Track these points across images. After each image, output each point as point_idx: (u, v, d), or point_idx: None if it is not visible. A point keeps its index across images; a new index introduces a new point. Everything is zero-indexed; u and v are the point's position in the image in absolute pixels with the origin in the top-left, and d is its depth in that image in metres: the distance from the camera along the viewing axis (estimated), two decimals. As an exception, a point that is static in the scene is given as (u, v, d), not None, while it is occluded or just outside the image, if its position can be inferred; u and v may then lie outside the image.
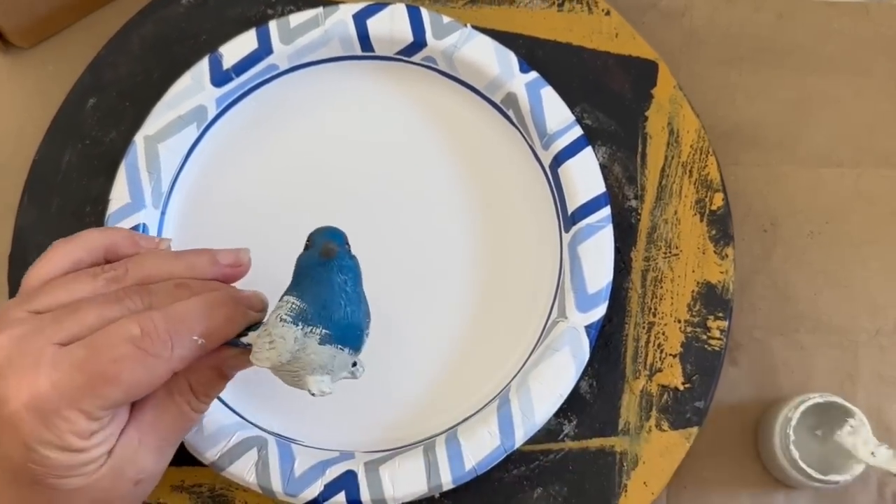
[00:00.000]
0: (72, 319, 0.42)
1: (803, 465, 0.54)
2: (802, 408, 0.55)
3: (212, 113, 0.60)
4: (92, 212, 0.61)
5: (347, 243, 0.46)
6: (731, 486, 0.60)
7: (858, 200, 0.63)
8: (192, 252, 0.48)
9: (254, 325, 0.47)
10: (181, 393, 0.46)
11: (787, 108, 0.65)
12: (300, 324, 0.43)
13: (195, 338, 0.43)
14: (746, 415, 0.61)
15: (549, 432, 0.57)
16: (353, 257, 0.46)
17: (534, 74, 0.59)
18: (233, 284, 0.49)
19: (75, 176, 0.61)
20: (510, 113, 0.60)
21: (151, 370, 0.42)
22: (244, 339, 0.46)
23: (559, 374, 0.55)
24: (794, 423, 0.55)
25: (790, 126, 0.64)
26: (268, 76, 0.61)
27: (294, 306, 0.43)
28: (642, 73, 0.61)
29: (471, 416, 0.56)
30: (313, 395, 0.44)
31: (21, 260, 0.60)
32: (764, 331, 0.62)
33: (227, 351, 0.47)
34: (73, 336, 0.42)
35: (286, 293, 0.45)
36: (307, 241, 0.46)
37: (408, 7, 0.59)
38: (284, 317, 0.43)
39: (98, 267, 0.46)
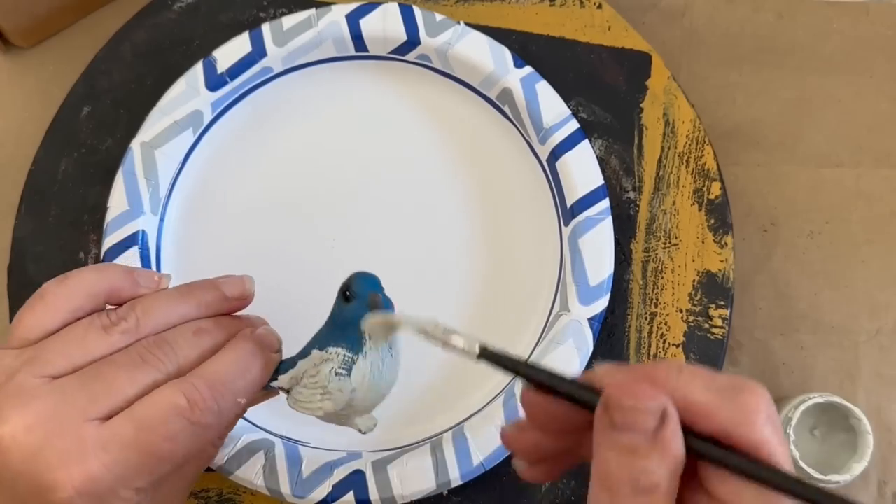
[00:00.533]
0: (103, 389, 0.40)
1: (803, 465, 0.54)
2: (802, 408, 0.55)
3: (207, 117, 0.60)
4: (90, 220, 0.61)
5: (382, 287, 0.45)
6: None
7: (858, 200, 0.63)
8: (198, 288, 0.46)
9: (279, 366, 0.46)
10: None
11: (788, 108, 0.65)
12: (353, 375, 0.43)
13: (239, 399, 0.42)
14: (746, 416, 0.61)
15: (555, 426, 0.57)
16: (390, 303, 0.44)
17: (528, 69, 0.59)
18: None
19: (72, 185, 0.61)
20: (506, 108, 0.60)
21: (203, 440, 0.41)
22: (274, 384, 0.46)
23: (563, 367, 0.55)
24: (794, 423, 0.55)
25: (790, 126, 0.65)
26: (262, 79, 0.61)
27: (347, 358, 0.43)
28: (636, 65, 0.62)
29: (477, 412, 0.56)
30: (363, 433, 0.45)
31: (19, 271, 0.60)
32: (764, 331, 0.62)
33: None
34: (110, 409, 0.40)
35: (333, 343, 0.44)
36: (346, 289, 0.44)
37: (400, 6, 0.59)
38: (339, 371, 0.43)
39: (104, 315, 0.42)
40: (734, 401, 0.32)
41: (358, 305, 0.43)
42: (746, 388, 0.32)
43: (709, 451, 0.32)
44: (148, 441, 0.39)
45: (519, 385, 0.55)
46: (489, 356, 0.36)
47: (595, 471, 0.32)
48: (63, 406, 0.39)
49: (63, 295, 0.42)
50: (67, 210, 0.61)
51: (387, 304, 0.44)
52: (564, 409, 0.34)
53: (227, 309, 0.46)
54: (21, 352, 0.41)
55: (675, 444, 0.31)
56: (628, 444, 0.31)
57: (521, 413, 0.54)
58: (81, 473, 0.38)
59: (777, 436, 0.32)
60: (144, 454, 0.39)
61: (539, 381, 0.35)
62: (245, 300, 0.47)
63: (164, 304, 0.44)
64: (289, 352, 0.47)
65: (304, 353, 0.45)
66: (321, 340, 0.44)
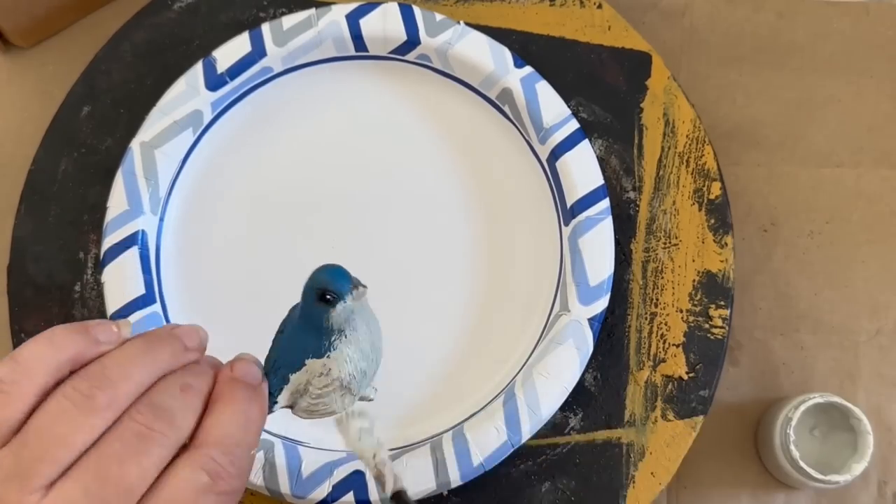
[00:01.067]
0: (116, 492, 0.35)
1: (803, 465, 0.54)
2: (802, 408, 0.55)
3: (207, 117, 0.60)
4: (89, 220, 0.61)
5: (350, 275, 0.44)
6: (731, 485, 0.60)
7: (858, 200, 0.63)
8: (160, 342, 0.40)
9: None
10: None
11: (788, 108, 0.65)
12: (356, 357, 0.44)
13: (252, 452, 0.40)
14: (746, 415, 0.61)
15: (555, 426, 0.57)
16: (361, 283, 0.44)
17: (528, 69, 0.59)
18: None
19: (71, 185, 0.61)
20: (506, 108, 0.60)
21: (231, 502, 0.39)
22: (276, 408, 0.45)
23: (564, 367, 0.55)
24: (794, 423, 0.55)
25: (790, 126, 0.65)
26: (262, 79, 0.60)
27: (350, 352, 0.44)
28: (636, 65, 0.62)
29: (477, 413, 0.56)
30: (372, 399, 0.46)
31: (19, 271, 0.60)
32: (764, 331, 0.62)
33: None
34: None
35: (324, 345, 0.43)
36: (324, 293, 0.43)
37: (400, 6, 0.59)
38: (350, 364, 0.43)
39: (75, 392, 0.37)
40: None
41: (344, 306, 0.42)
42: None
43: None
44: None
45: (519, 385, 0.55)
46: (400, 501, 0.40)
47: None
48: None
49: (21, 382, 0.36)
50: (67, 210, 0.61)
51: (356, 285, 0.43)
52: None
53: (189, 360, 0.42)
54: None
55: None
56: None
57: (522, 416, 0.54)
58: None
59: None
60: None
61: None
62: (202, 351, 0.43)
63: (133, 365, 0.38)
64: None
65: (286, 364, 0.44)
66: (305, 347, 0.44)
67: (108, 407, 0.36)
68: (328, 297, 0.42)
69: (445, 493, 0.56)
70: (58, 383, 0.37)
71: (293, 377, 0.44)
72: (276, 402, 0.44)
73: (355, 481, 0.53)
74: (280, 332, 0.45)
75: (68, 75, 0.63)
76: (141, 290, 0.56)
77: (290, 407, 0.45)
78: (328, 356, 0.43)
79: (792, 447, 0.54)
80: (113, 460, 0.36)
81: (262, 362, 0.44)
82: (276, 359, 0.44)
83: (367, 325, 0.44)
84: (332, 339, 0.43)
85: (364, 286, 0.43)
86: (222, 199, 0.60)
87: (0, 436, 0.36)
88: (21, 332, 0.59)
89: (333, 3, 0.61)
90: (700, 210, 0.59)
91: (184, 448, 0.38)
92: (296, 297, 0.53)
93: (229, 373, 0.41)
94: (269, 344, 0.46)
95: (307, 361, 0.43)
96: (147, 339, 0.40)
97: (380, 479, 0.42)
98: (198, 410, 0.39)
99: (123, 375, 0.37)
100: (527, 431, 0.54)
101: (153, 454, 0.36)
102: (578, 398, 0.57)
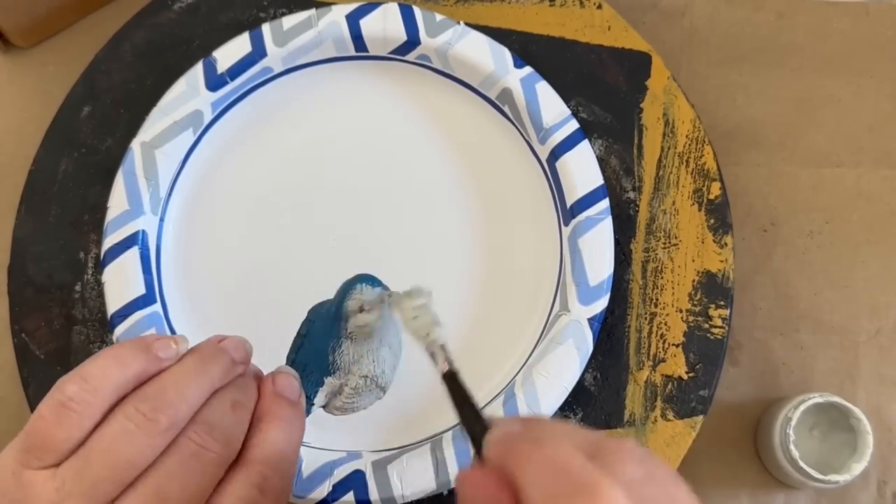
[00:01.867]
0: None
1: (803, 465, 0.54)
2: (802, 408, 0.55)
3: (208, 117, 0.60)
4: (90, 220, 0.61)
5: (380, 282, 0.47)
6: (731, 485, 0.60)
7: (858, 200, 0.63)
8: (210, 359, 0.42)
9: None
10: None
11: (787, 108, 0.65)
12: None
13: (297, 464, 0.43)
14: (746, 415, 0.61)
15: (554, 426, 0.57)
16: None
17: (528, 69, 0.59)
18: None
19: (72, 185, 0.61)
20: (506, 109, 0.60)
21: None
22: (314, 410, 0.47)
23: (563, 366, 0.55)
24: (794, 423, 0.55)
25: (790, 126, 0.65)
26: (262, 79, 0.61)
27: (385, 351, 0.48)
28: (636, 65, 0.62)
29: (477, 412, 0.56)
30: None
31: (19, 271, 0.60)
32: (764, 331, 0.62)
33: None
34: None
35: (359, 348, 0.47)
36: (361, 307, 0.47)
37: (400, 6, 0.59)
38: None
39: (138, 413, 0.38)
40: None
41: (381, 315, 0.46)
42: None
43: None
44: None
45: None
46: (451, 383, 0.39)
47: None
48: None
49: (91, 401, 0.38)
50: (67, 210, 0.61)
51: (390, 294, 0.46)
52: None
53: (236, 374, 0.44)
54: (59, 480, 0.37)
55: None
56: None
57: (505, 411, 0.54)
58: None
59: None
60: None
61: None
62: (248, 363, 0.45)
63: (190, 386, 0.40)
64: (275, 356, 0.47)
65: (319, 368, 0.46)
66: (338, 351, 0.45)
67: (169, 428, 0.38)
68: (366, 308, 0.45)
69: (445, 493, 0.56)
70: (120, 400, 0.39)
71: (328, 380, 0.45)
72: (312, 405, 0.46)
73: (355, 481, 0.53)
74: (303, 335, 0.47)
75: (68, 75, 0.63)
76: (141, 290, 0.56)
77: (324, 406, 0.46)
78: (362, 353, 0.45)
79: (792, 447, 0.54)
80: (173, 479, 0.37)
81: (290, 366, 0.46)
82: (308, 363, 0.46)
83: (393, 324, 0.46)
84: (369, 342, 0.46)
85: (391, 294, 0.46)
86: (223, 199, 0.60)
87: (61, 452, 0.37)
88: (21, 332, 0.59)
89: (333, 3, 0.61)
90: (700, 210, 0.59)
91: (234, 463, 0.40)
92: (297, 294, 0.54)
93: (272, 387, 0.43)
94: (270, 341, 0.47)
95: (352, 368, 0.45)
96: (200, 357, 0.42)
97: (434, 358, 0.42)
98: (246, 426, 0.41)
99: (181, 397, 0.39)
100: (527, 431, 0.54)
101: (209, 473, 0.39)
102: (578, 398, 0.57)
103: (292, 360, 0.48)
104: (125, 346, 0.40)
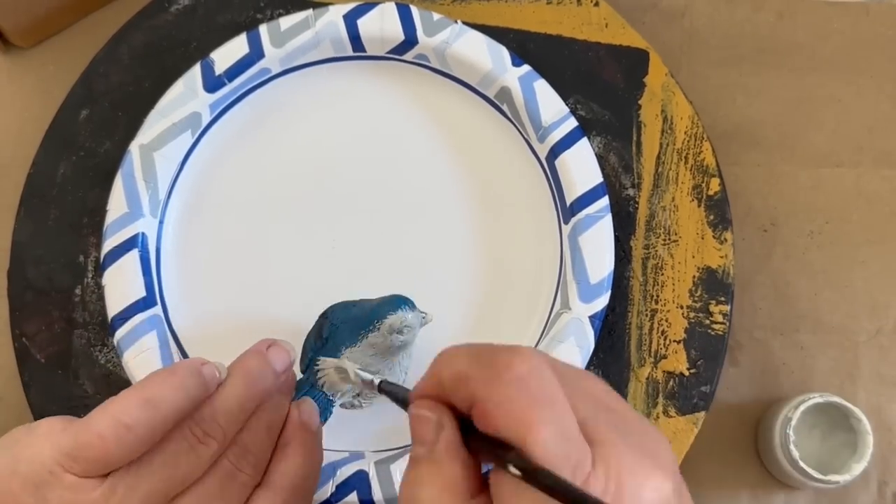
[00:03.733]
0: None
1: (803, 465, 0.54)
2: (802, 408, 0.55)
3: (206, 119, 0.60)
4: (89, 223, 0.60)
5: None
6: (731, 485, 0.60)
7: (858, 200, 0.63)
8: (258, 381, 0.45)
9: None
10: None
11: (787, 108, 0.65)
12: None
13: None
14: (746, 415, 0.61)
15: (557, 424, 0.57)
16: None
17: (526, 68, 0.59)
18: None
19: (71, 188, 0.61)
20: (504, 107, 0.60)
21: None
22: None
23: (565, 365, 0.55)
24: (794, 423, 0.55)
25: (790, 126, 0.64)
26: (260, 80, 0.60)
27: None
28: (634, 63, 0.62)
29: (479, 411, 0.56)
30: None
31: (18, 274, 0.60)
32: (764, 331, 0.62)
33: None
34: None
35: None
36: (399, 330, 0.51)
37: (397, 5, 0.59)
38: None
39: (191, 434, 0.41)
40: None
41: (414, 334, 0.51)
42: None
43: (487, 451, 0.31)
44: None
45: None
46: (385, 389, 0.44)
47: None
48: None
49: (154, 427, 0.40)
50: (66, 213, 0.61)
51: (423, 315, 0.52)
52: None
53: (277, 387, 0.46)
54: (109, 488, 0.40)
55: (448, 457, 0.32)
56: (414, 456, 0.33)
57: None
58: None
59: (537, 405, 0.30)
60: None
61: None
62: (289, 372, 0.47)
63: (240, 411, 0.43)
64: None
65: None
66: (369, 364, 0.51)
67: (219, 451, 0.42)
68: (405, 331, 0.50)
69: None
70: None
71: (348, 387, 0.50)
72: (333, 405, 0.51)
73: (358, 481, 0.53)
74: (325, 338, 0.52)
75: (68, 75, 0.63)
76: (142, 293, 0.56)
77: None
78: (387, 365, 0.50)
79: (792, 447, 0.54)
80: (212, 498, 0.41)
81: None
82: (326, 355, 0.51)
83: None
84: (395, 356, 0.50)
85: (425, 316, 0.52)
86: (222, 201, 0.60)
87: (114, 467, 0.40)
88: (22, 336, 0.59)
89: (331, 3, 0.61)
90: (699, 206, 0.59)
91: (258, 485, 0.44)
92: (297, 296, 0.54)
93: (297, 416, 0.46)
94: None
95: (368, 365, 0.50)
96: (249, 380, 0.44)
97: (366, 388, 0.47)
98: (272, 447, 0.45)
99: (232, 421, 0.42)
100: (529, 429, 0.54)
101: (240, 494, 0.42)
102: (580, 396, 0.57)
103: (310, 360, 0.50)
104: (180, 369, 0.42)
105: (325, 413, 0.50)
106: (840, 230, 0.63)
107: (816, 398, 0.55)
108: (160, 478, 0.40)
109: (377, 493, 0.53)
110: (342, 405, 0.51)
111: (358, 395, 0.51)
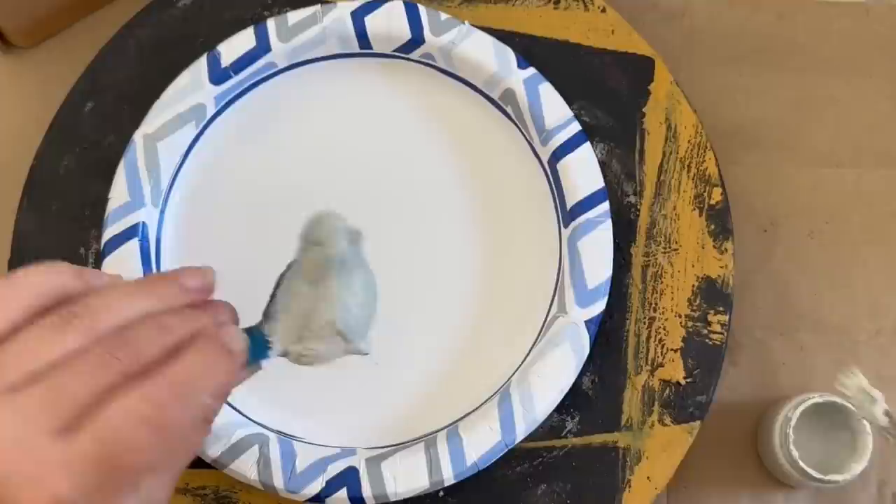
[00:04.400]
0: (63, 400, 0.36)
1: (803, 465, 0.54)
2: (802, 408, 0.55)
3: (210, 111, 0.60)
4: (91, 215, 0.61)
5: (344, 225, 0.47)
6: (731, 485, 0.60)
7: (858, 200, 0.63)
8: (158, 281, 0.42)
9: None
10: None
11: (788, 108, 0.65)
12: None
13: (206, 402, 0.39)
14: (746, 415, 0.61)
15: (551, 429, 0.57)
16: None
17: (532, 71, 0.59)
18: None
19: (74, 180, 0.61)
20: (508, 109, 0.60)
21: (171, 445, 0.39)
22: (271, 354, 0.45)
23: (560, 369, 0.55)
24: (794, 423, 0.55)
25: (790, 126, 0.65)
26: (266, 74, 0.61)
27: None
28: (639, 70, 0.62)
29: (472, 412, 0.56)
30: (367, 353, 0.46)
31: (20, 266, 0.59)
32: (764, 331, 0.62)
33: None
34: (72, 421, 0.37)
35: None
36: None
37: (405, 4, 0.60)
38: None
39: (56, 315, 0.38)
40: None
41: (338, 249, 0.46)
42: None
43: None
44: (113, 455, 0.37)
45: (515, 385, 0.55)
46: None
47: None
48: (22, 424, 0.36)
49: (10, 297, 0.38)
50: (69, 205, 0.61)
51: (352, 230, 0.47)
52: None
53: (187, 301, 0.42)
54: None
55: None
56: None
57: (516, 417, 0.54)
58: (48, 497, 0.35)
59: None
60: (111, 468, 0.37)
61: None
62: (206, 292, 0.43)
63: (120, 298, 0.40)
64: None
65: (282, 309, 0.44)
66: (299, 291, 0.45)
67: (84, 331, 0.38)
68: (322, 240, 0.44)
69: (441, 493, 0.56)
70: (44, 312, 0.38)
71: (285, 317, 0.44)
72: (269, 348, 0.44)
73: (349, 478, 0.53)
74: (277, 285, 0.46)
75: (69, 75, 0.63)
76: (139, 283, 0.56)
77: (285, 355, 0.44)
78: (321, 295, 0.43)
79: (792, 447, 0.54)
80: (71, 374, 0.37)
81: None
82: (271, 306, 0.45)
83: (362, 274, 0.45)
84: (327, 280, 0.44)
85: (359, 232, 0.46)
86: (224, 193, 0.60)
87: None
88: (18, 324, 0.59)
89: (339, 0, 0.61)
90: (700, 215, 0.59)
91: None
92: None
93: (213, 329, 0.41)
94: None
95: (303, 299, 0.44)
96: (143, 280, 0.42)
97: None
98: (168, 349, 0.39)
99: (105, 307, 0.38)
100: (521, 432, 0.54)
101: (109, 379, 0.37)
102: (576, 401, 0.57)
103: (266, 310, 0.46)
104: (59, 262, 0.40)
105: (258, 351, 0.44)
106: (840, 230, 0.63)
107: (816, 398, 0.55)
108: (18, 356, 0.37)
109: (367, 491, 0.53)
110: (295, 359, 0.45)
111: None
